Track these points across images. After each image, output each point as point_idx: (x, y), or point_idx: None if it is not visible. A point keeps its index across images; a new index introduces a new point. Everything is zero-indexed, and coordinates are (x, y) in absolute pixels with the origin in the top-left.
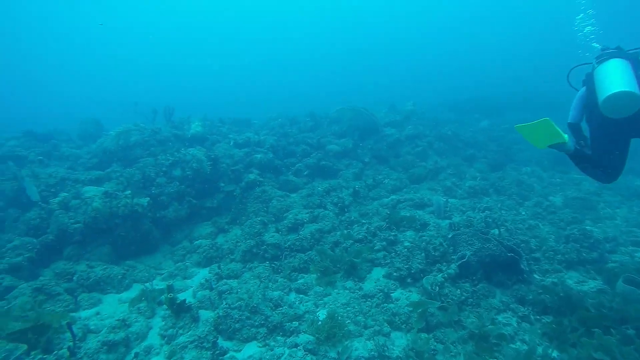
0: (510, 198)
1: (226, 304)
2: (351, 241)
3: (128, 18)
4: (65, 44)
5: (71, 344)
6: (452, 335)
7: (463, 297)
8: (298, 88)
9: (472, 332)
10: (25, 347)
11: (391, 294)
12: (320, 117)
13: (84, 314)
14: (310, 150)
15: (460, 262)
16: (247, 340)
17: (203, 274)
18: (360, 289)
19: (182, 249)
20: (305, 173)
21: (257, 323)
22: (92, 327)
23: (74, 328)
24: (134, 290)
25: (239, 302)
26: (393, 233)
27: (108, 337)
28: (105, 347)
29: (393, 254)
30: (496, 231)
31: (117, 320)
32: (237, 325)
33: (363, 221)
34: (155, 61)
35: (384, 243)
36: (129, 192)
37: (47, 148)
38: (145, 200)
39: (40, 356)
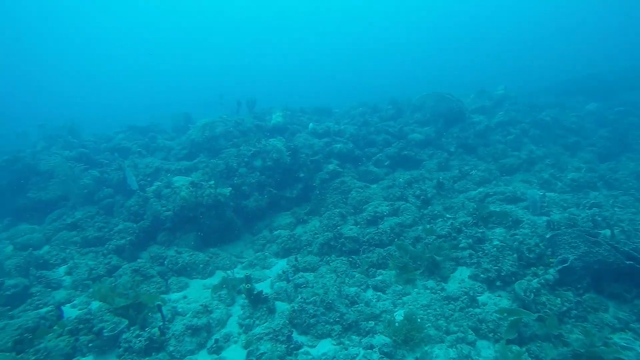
0: (627, 193)
1: (301, 298)
2: (434, 237)
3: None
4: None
5: (161, 324)
6: (551, 351)
7: (564, 308)
8: (382, 77)
9: (576, 351)
10: (126, 322)
11: (477, 298)
12: (402, 105)
13: (173, 296)
14: (392, 139)
15: (562, 266)
16: (321, 336)
17: (281, 265)
18: (443, 289)
19: (262, 239)
20: (386, 163)
21: (332, 320)
22: (179, 310)
23: (165, 309)
24: (217, 277)
25: (314, 297)
26: (480, 230)
27: (192, 322)
28: (189, 331)
29: (480, 253)
30: (608, 232)
31: (201, 305)
32: (312, 321)
33: (447, 216)
34: (240, 57)
35: (470, 240)
36: (213, 182)
37: (146, 140)
38: (227, 190)
39: (137, 332)
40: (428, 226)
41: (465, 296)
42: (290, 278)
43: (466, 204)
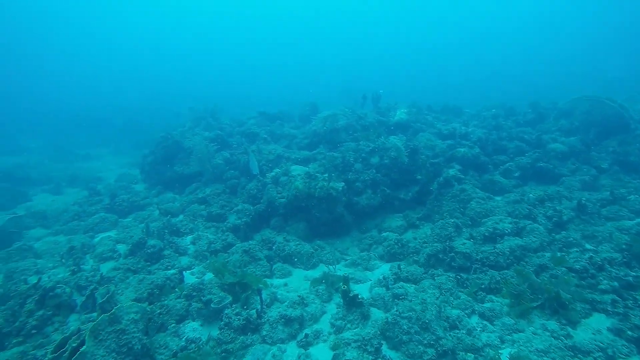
0: None
1: (397, 311)
2: (564, 269)
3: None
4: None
5: (259, 307)
6: None
7: None
8: (524, 75)
9: None
10: (230, 298)
11: None
12: (545, 109)
13: (275, 281)
14: (526, 147)
15: None
16: (412, 356)
17: (384, 269)
18: (568, 336)
19: (370, 238)
20: (516, 174)
21: (425, 341)
22: (278, 297)
23: (265, 293)
24: (319, 270)
25: (410, 312)
26: (633, 273)
27: (287, 312)
28: (283, 320)
29: (630, 303)
30: None
31: (299, 296)
32: (404, 337)
33: (587, 246)
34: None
35: (616, 284)
36: (327, 175)
37: (273, 127)
38: (340, 185)
39: (238, 309)
40: (559, 254)
41: (601, 353)
42: (390, 286)
43: (616, 236)
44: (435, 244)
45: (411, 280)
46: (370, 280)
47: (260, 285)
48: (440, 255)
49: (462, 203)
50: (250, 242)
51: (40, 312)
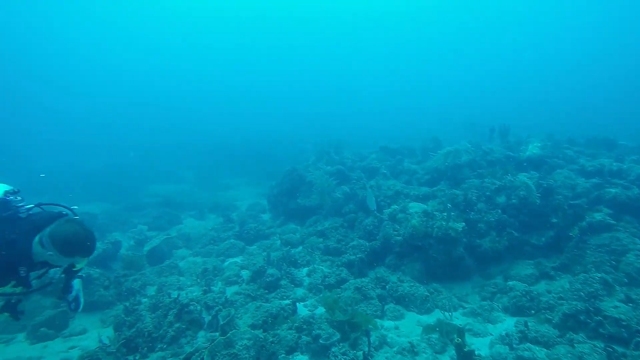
0: None
1: None
2: None
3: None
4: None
5: (367, 349)
6: None
7: None
8: None
9: None
10: (339, 336)
11: None
12: None
13: (386, 323)
14: None
15: None
16: None
17: (508, 324)
18: None
19: (493, 286)
20: None
21: None
22: (388, 340)
23: (374, 335)
24: (433, 316)
25: None
26: None
27: (395, 358)
28: None
29: None
30: None
31: (409, 342)
32: None
33: None
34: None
35: None
36: (445, 214)
37: (393, 162)
38: (460, 225)
39: (345, 349)
40: None
41: None
42: (515, 346)
43: None
44: (575, 302)
45: (541, 343)
46: (491, 335)
47: (369, 327)
48: (582, 317)
49: (614, 255)
50: (364, 279)
51: (177, 325)
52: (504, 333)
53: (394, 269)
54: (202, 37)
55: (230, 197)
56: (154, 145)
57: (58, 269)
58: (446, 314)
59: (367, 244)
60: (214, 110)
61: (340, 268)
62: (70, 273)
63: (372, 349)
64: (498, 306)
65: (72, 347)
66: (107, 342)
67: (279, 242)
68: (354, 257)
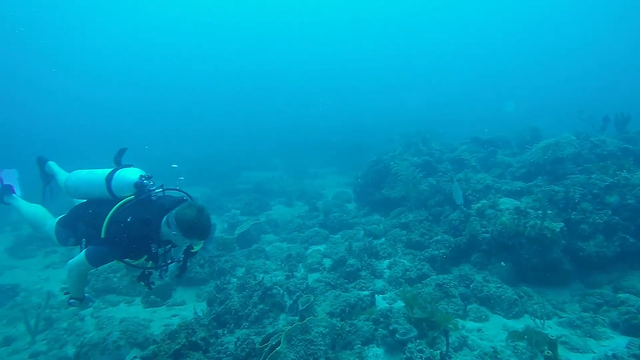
0: None
1: None
2: None
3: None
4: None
5: (444, 349)
6: None
7: None
8: None
9: None
10: (416, 332)
11: None
12: None
13: (468, 324)
14: None
15: None
16: None
17: (617, 343)
18: None
19: (599, 297)
20: None
21: None
22: (469, 342)
23: (454, 335)
24: (522, 322)
25: None
26: None
27: None
28: None
29: None
30: None
31: (492, 347)
32: None
33: None
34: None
35: None
36: (541, 212)
37: (484, 154)
38: (558, 226)
39: (421, 346)
40: None
41: None
42: None
43: None
44: None
45: None
46: (593, 352)
47: (449, 326)
48: None
49: None
50: (446, 275)
51: (261, 306)
52: (610, 353)
53: (479, 267)
54: (295, 31)
55: (317, 186)
56: (249, 135)
57: (178, 250)
58: (537, 321)
59: (451, 239)
60: (306, 101)
61: (422, 262)
62: (188, 254)
63: (451, 350)
64: (604, 320)
65: (174, 315)
66: (201, 314)
67: (362, 232)
68: (437, 252)
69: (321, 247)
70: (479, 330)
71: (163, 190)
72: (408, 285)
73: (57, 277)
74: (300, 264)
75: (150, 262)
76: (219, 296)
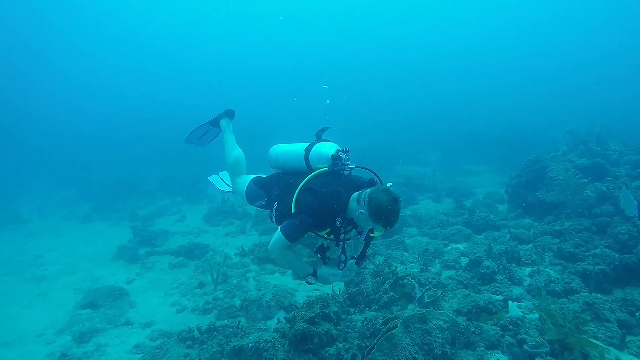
0: None
1: None
2: None
3: None
4: None
5: None
6: None
7: None
8: None
9: None
10: (548, 348)
11: None
12: None
13: (625, 357)
14: None
15: None
16: None
17: None
18: None
19: None
20: None
21: None
22: None
23: None
24: None
25: None
26: None
27: None
28: None
29: None
30: None
31: None
32: None
33: None
34: None
35: None
36: None
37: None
38: None
39: None
40: None
41: None
42: None
43: None
44: None
45: None
46: None
47: (594, 353)
48: None
49: None
50: (602, 296)
51: (391, 293)
52: None
53: None
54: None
55: (470, 183)
56: (407, 124)
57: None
58: None
59: (616, 255)
60: (462, 98)
61: (572, 276)
62: (369, 239)
63: None
64: None
65: (315, 290)
66: (337, 292)
67: (508, 235)
68: (592, 267)
69: (461, 246)
70: None
71: (356, 167)
72: (550, 298)
73: (233, 244)
74: (436, 260)
75: (332, 236)
76: (355, 279)
